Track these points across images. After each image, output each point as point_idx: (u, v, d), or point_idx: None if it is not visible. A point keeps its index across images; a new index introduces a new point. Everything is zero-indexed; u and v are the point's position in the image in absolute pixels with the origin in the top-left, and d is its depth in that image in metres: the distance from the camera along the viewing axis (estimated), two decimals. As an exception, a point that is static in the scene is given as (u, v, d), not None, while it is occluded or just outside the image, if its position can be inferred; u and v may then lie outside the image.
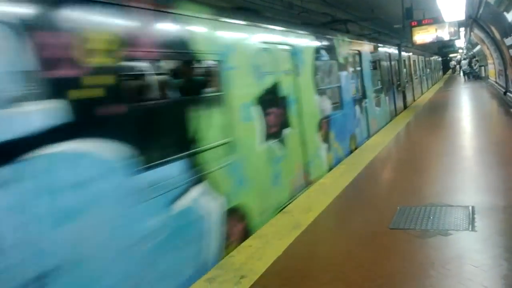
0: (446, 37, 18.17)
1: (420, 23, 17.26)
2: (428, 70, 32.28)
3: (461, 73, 39.62)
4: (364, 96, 11.79)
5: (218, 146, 4.83)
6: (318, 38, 8.51)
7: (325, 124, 8.29)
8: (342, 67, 9.78)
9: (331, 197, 6.43)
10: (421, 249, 4.38)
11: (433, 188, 6.48)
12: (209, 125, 4.81)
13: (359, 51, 11.65)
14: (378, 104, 13.59)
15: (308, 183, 7.16)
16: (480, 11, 13.22)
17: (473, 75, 34.56)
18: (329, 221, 5.53)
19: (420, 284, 3.69)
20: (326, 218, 5.62)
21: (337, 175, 7.69)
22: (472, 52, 36.95)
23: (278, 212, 5.92)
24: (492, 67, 24.26)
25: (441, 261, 4.02)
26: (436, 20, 16.94)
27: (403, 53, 20.22)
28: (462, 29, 20.42)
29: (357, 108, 10.89)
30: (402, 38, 24.42)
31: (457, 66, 51.09)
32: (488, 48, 21.43)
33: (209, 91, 5.00)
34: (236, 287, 3.94)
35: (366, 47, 12.75)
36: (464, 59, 41.35)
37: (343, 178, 7.44)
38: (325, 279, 3.98)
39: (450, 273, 3.78)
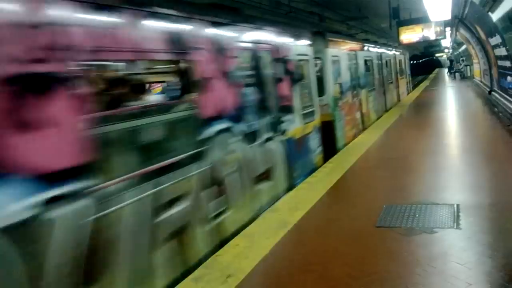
0: (432, 37, 18.37)
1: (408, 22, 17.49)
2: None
3: (448, 72, 39.02)
4: None
5: None
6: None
7: None
8: None
9: (318, 195, 6.44)
10: (407, 247, 4.41)
11: (418, 187, 6.54)
12: None
13: None
14: None
15: None
16: (466, 11, 13.36)
17: (459, 74, 35.03)
18: (316, 220, 5.53)
19: (405, 282, 3.71)
20: (313, 216, 5.63)
21: (324, 173, 7.72)
22: (458, 52, 37.26)
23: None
24: (477, 67, 24.54)
25: (427, 258, 4.05)
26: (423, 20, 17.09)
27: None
28: (448, 29, 20.64)
29: None
30: (389, 37, 24.67)
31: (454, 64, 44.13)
32: (473, 48, 21.68)
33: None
34: (223, 286, 3.92)
35: None
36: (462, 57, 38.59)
37: (330, 176, 7.46)
38: (311, 277, 3.98)
39: (435, 271, 3.80)
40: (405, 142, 10.51)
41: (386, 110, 16.87)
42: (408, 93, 25.02)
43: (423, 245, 4.40)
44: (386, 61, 17.76)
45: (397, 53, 21.76)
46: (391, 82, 18.83)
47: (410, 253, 4.26)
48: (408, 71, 27.12)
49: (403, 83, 23.65)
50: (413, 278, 3.76)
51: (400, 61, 22.64)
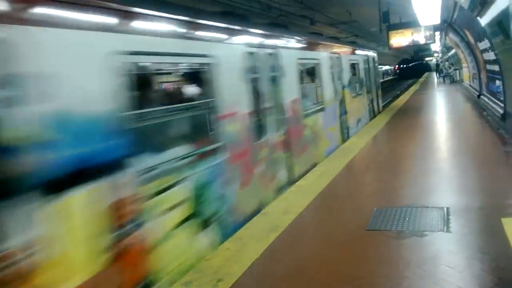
0: (422, 41, 18.53)
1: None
2: None
3: (437, 76, 38.93)
4: None
5: None
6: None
7: None
8: None
9: (309, 199, 6.43)
10: (397, 250, 4.42)
11: (409, 190, 6.56)
12: None
13: None
14: None
15: None
16: (455, 16, 13.48)
17: (448, 78, 35.21)
18: (307, 223, 5.53)
19: (396, 285, 3.71)
20: (304, 220, 5.62)
21: (315, 177, 7.72)
22: (447, 56, 37.57)
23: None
24: (466, 71, 24.76)
25: (417, 262, 4.06)
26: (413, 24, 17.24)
27: None
28: (437, 33, 20.84)
29: None
30: (379, 41, 24.89)
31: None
32: (462, 52, 21.87)
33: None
34: (213, 291, 3.88)
35: None
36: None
37: (321, 180, 7.46)
38: (302, 281, 3.97)
39: (425, 274, 3.81)
40: (394, 145, 10.54)
41: (294, 181, 7.55)
42: (372, 118, 16.09)
43: (413, 248, 4.41)
44: (314, 68, 9.82)
45: (347, 50, 13.11)
46: (320, 110, 9.63)
47: (400, 256, 4.27)
48: (374, 81, 17.34)
49: (360, 105, 14.19)
50: (404, 281, 3.76)
51: (356, 66, 13.89)
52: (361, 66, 14.64)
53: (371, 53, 17.33)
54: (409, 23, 17.76)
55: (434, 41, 19.88)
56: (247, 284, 4.03)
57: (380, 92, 18.94)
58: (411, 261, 4.10)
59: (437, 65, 46.04)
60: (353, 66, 13.59)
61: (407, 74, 60.57)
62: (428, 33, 18.10)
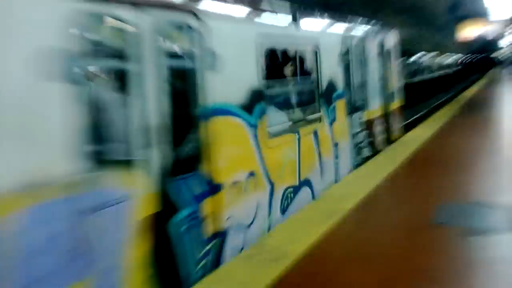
0: (491, 35, 17.70)
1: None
2: None
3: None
4: None
5: None
6: None
7: None
8: None
9: (369, 187, 6.27)
10: (465, 247, 4.20)
11: (477, 187, 6.29)
12: None
13: None
14: None
15: None
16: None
17: None
18: (368, 212, 5.39)
19: (466, 281, 3.57)
20: (365, 208, 5.49)
21: (376, 164, 7.54)
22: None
23: None
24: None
25: (487, 261, 3.89)
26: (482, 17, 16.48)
27: None
28: (508, 29, 19.82)
29: None
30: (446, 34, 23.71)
31: None
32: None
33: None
34: (274, 264, 3.89)
35: None
36: None
37: (383, 168, 7.28)
38: (359, 270, 3.86)
39: (497, 274, 3.65)
40: (461, 139, 10.13)
41: None
42: (360, 162, 8.12)
43: (480, 247, 4.20)
44: None
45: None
46: None
47: (468, 253, 4.09)
48: (383, 86, 9.62)
49: (310, 150, 6.33)
50: (474, 279, 3.64)
51: (317, 54, 6.54)
52: (328, 56, 6.94)
53: (373, 30, 9.17)
54: (479, 16, 16.98)
55: (503, 36, 18.95)
56: (305, 264, 3.98)
57: (397, 105, 10.81)
58: (480, 259, 3.94)
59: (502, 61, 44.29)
60: (305, 56, 6.51)
61: (472, 67, 57.86)
62: (498, 27, 17.27)
